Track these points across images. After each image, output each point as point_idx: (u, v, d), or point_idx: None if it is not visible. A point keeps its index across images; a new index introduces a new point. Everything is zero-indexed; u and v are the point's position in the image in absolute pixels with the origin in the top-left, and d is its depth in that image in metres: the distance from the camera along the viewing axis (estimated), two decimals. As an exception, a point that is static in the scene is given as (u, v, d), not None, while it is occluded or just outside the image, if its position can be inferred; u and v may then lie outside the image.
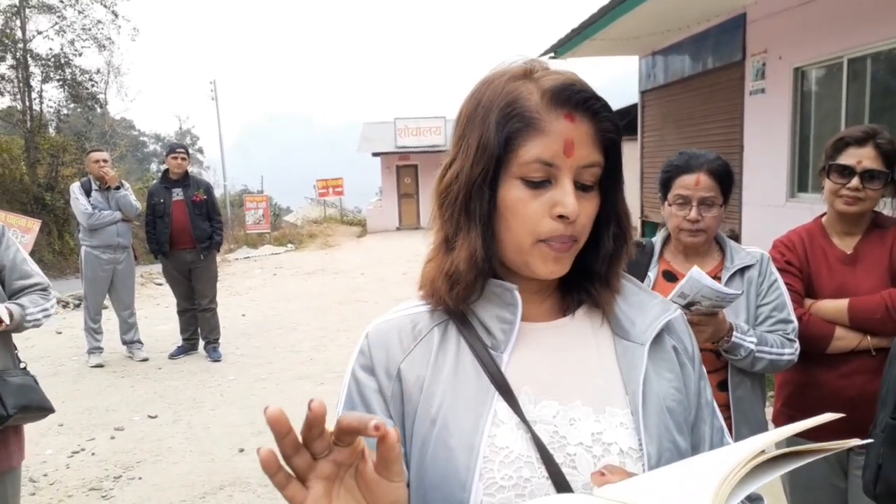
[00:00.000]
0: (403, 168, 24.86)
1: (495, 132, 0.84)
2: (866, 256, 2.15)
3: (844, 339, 2.09)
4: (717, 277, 2.03)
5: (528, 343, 0.92)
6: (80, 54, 21.08)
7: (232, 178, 35.56)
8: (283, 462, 0.63)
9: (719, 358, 2.00)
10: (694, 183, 2.00)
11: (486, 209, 0.86)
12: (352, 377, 0.93)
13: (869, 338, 2.07)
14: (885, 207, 2.19)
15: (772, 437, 0.73)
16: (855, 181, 2.06)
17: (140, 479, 4.11)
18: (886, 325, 2.03)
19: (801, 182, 7.35)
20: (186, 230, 6.55)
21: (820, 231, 2.24)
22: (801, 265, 2.20)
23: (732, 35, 8.29)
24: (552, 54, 10.60)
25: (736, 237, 8.16)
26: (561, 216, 0.84)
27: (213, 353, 6.77)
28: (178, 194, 6.59)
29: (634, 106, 11.83)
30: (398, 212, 24.68)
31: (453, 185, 0.88)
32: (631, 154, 11.39)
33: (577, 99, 0.84)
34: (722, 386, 2.04)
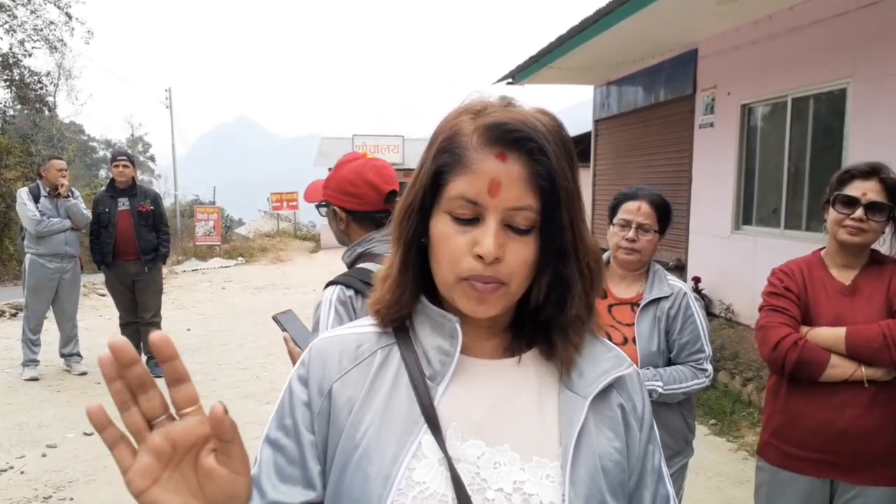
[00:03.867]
0: (359, 184, 24.74)
1: (429, 165, 0.86)
2: (864, 289, 2.18)
3: (839, 367, 2.07)
4: (637, 304, 2.34)
5: (467, 378, 0.90)
6: (30, 55, 20.46)
7: (184, 187, 34.89)
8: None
9: None
10: (636, 209, 2.33)
11: (411, 237, 0.88)
12: (288, 385, 0.93)
13: (864, 368, 2.06)
14: (884, 245, 2.22)
15: None
16: (859, 212, 2.11)
17: (71, 499, 3.96)
18: (883, 355, 2.04)
19: (745, 215, 7.57)
20: (131, 241, 6.39)
21: (819, 263, 2.27)
22: (799, 292, 2.21)
23: (684, 70, 8.54)
24: (510, 80, 10.76)
25: (682, 266, 8.37)
26: (479, 256, 0.82)
27: (156, 368, 6.33)
28: (123, 204, 6.43)
29: (588, 134, 12.06)
30: (353, 228, 24.54)
31: (400, 209, 0.90)
32: (583, 181, 11.59)
33: (509, 138, 0.81)
34: None
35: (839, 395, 2.09)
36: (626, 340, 2.28)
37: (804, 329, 2.17)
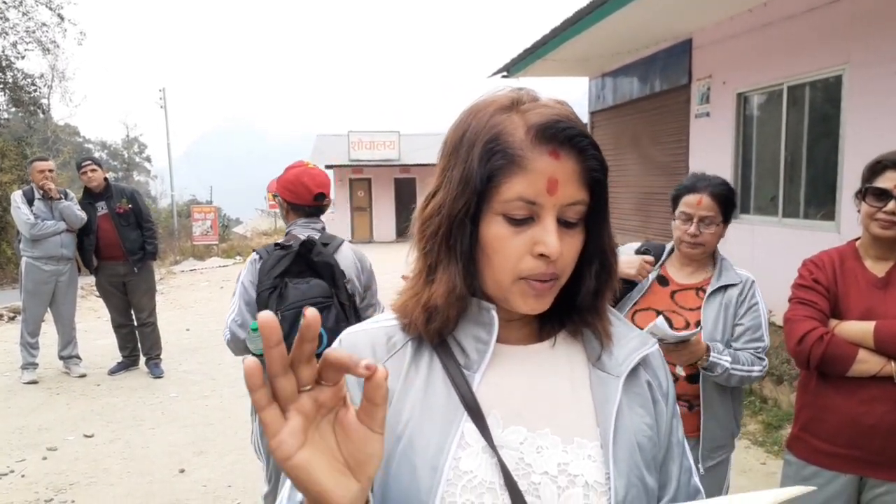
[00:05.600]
0: (357, 181, 24.74)
1: (478, 167, 0.83)
2: None
3: (867, 362, 1.99)
4: (702, 289, 2.32)
5: (502, 365, 0.90)
6: (23, 57, 20.39)
7: (180, 187, 34.84)
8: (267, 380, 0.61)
9: None
10: (696, 202, 2.27)
11: (467, 245, 0.85)
12: None
13: (893, 364, 1.97)
14: None
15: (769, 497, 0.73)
16: (891, 205, 1.99)
17: (73, 502, 3.95)
18: None
19: (743, 203, 7.55)
20: (116, 244, 6.32)
21: (853, 254, 2.17)
22: (829, 284, 2.13)
23: (679, 59, 8.52)
24: (505, 73, 10.72)
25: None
26: (542, 255, 0.83)
27: (155, 369, 6.57)
28: (102, 208, 6.35)
29: (584, 126, 12.03)
30: (351, 225, 24.51)
31: (435, 217, 0.87)
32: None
33: (563, 136, 0.82)
34: (692, 379, 2.23)
35: (869, 391, 2.01)
36: (687, 325, 2.25)
37: (832, 323, 2.09)
